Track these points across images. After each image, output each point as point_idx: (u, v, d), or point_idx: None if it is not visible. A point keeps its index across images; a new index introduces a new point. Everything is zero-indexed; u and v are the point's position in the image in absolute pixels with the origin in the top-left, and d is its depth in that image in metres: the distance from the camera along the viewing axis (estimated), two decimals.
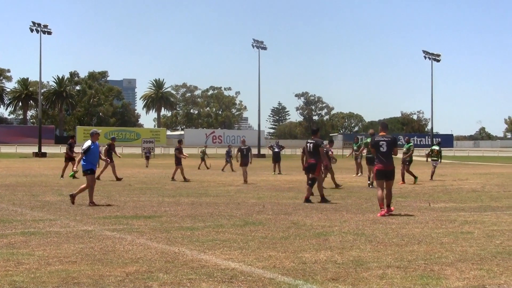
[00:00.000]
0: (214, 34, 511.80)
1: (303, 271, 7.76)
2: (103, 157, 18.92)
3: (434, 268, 7.99)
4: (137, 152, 72.53)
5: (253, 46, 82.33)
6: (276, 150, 36.16)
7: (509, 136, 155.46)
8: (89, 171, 16.04)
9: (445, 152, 67.23)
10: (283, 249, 9.39)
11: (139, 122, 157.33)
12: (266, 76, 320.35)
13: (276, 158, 35.69)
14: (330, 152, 24.34)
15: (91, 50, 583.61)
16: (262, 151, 79.54)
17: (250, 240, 10.25)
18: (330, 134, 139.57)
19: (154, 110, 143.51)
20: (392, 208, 14.53)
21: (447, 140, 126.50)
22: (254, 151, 79.71)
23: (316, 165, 17.37)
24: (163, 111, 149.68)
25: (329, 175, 23.19)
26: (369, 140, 22.39)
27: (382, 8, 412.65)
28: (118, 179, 25.89)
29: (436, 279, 7.40)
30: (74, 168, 18.35)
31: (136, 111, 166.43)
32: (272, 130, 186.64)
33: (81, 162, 16.20)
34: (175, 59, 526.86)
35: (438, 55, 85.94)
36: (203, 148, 44.99)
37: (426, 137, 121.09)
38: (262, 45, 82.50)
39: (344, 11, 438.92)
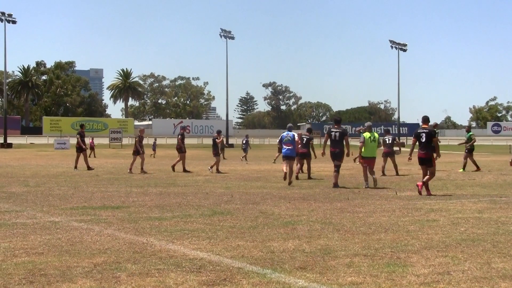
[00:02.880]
0: (181, 24, 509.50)
1: (271, 260, 7.79)
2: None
3: (400, 256, 8.09)
4: (104, 142, 71.95)
5: (220, 36, 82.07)
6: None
7: (474, 125, 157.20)
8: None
9: (412, 141, 68.09)
10: (251, 238, 9.42)
11: (106, 112, 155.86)
12: (234, 66, 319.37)
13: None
14: (395, 141, 24.80)
15: (57, 40, 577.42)
16: (230, 141, 79.64)
17: (218, 229, 10.27)
18: (298, 124, 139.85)
19: (121, 100, 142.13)
20: (421, 188, 16.04)
21: (414, 130, 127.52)
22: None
23: (342, 153, 18.53)
24: (131, 101, 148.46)
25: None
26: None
27: None
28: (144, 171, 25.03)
29: (403, 266, 7.49)
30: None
31: (103, 101, 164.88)
32: (240, 120, 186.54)
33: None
34: (142, 49, 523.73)
35: (405, 45, 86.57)
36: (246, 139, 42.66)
37: (393, 126, 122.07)
38: (229, 35, 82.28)
39: (311, 1, 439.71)
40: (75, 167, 26.76)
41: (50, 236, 9.57)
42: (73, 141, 72.96)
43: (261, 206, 13.69)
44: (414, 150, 17.51)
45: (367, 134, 18.62)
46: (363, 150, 18.55)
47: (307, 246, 8.76)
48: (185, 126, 28.41)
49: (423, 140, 16.40)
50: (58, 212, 12.56)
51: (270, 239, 9.37)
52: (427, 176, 16.33)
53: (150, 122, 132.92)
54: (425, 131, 16.51)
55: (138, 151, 25.57)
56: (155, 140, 49.50)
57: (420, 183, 16.22)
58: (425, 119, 16.94)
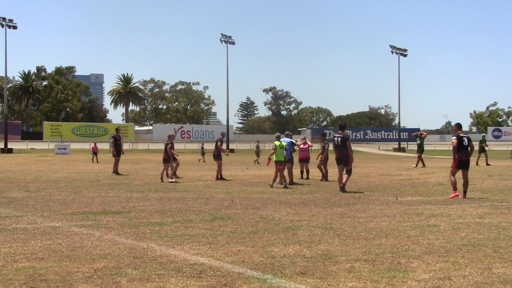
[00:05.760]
0: (182, 29, 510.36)
1: (271, 266, 7.79)
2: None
3: (401, 261, 8.08)
4: (105, 147, 71.91)
5: (221, 41, 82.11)
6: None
7: (474, 130, 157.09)
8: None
9: (412, 146, 68.01)
10: (251, 243, 9.41)
11: (107, 117, 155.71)
12: (234, 71, 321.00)
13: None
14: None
15: (57, 45, 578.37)
16: (231, 146, 79.83)
17: (219, 235, 10.26)
18: (299, 129, 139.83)
19: (122, 105, 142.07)
20: (466, 196, 16.62)
21: (415, 133, 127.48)
22: (224, 145, 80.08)
23: (346, 157, 19.05)
24: (131, 106, 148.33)
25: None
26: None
27: (349, 2, 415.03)
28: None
29: (403, 271, 7.48)
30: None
31: (104, 107, 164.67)
32: (240, 125, 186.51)
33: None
34: (143, 54, 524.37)
35: (405, 50, 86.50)
36: (257, 143, 49.58)
37: (394, 131, 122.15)
38: (230, 40, 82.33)
39: (311, 6, 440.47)
40: (115, 172, 27.24)
41: (51, 241, 9.56)
42: (74, 146, 72.75)
43: (262, 211, 13.69)
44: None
45: (277, 143, 21.54)
46: (274, 156, 21.49)
47: (308, 251, 8.76)
48: (224, 132, 26.90)
49: (466, 144, 17.06)
50: (59, 217, 12.56)
51: (271, 244, 9.36)
52: (463, 181, 16.79)
53: (150, 127, 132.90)
54: (466, 135, 17.17)
55: (169, 158, 23.95)
56: (203, 144, 49.87)
57: (457, 193, 16.77)
58: (460, 126, 17.71)
